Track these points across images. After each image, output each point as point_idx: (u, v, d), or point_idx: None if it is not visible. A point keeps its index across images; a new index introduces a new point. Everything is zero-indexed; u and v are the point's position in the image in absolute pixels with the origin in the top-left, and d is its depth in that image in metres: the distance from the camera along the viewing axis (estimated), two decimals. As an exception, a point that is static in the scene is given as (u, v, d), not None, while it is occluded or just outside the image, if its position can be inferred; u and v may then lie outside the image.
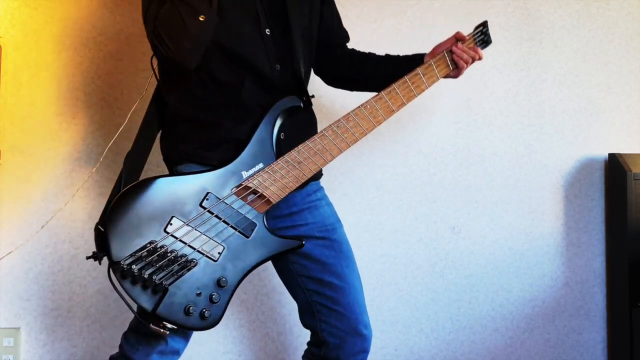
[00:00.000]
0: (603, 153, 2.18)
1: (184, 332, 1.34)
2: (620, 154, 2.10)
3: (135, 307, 1.27)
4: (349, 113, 1.41)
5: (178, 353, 1.37)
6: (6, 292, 1.89)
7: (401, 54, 1.63)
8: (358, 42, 2.07)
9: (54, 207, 1.91)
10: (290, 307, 1.98)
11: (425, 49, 2.11)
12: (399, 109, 1.47)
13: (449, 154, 2.11)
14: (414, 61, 1.56)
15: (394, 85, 1.46)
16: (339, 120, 1.40)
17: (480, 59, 1.57)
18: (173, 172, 1.40)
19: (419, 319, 2.08)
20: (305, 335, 1.85)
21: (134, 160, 1.39)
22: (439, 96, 2.11)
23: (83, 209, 1.92)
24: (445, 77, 1.57)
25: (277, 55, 1.40)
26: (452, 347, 2.09)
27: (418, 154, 2.10)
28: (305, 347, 1.54)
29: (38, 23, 1.92)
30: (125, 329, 1.42)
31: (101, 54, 1.95)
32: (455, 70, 1.57)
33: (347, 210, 2.06)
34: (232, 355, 1.99)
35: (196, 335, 1.41)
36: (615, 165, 2.10)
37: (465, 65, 1.56)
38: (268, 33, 1.40)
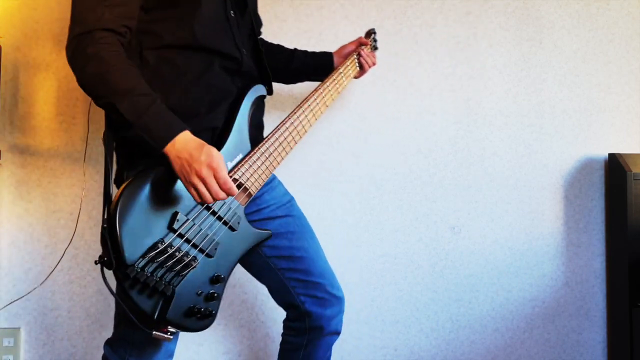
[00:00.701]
0: (603, 153, 2.18)
1: (132, 318, 1.25)
2: (620, 154, 2.10)
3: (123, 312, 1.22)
4: (301, 106, 1.46)
5: (172, 355, 1.35)
6: (6, 292, 1.89)
7: (308, 50, 1.74)
8: (358, 42, 2.08)
9: (54, 207, 1.91)
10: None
11: (426, 48, 2.12)
12: (330, 104, 1.57)
13: (449, 154, 2.11)
14: (324, 59, 1.72)
15: (328, 83, 1.56)
16: (294, 112, 1.44)
17: (375, 64, 1.78)
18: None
19: (419, 319, 2.08)
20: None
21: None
22: (439, 96, 2.11)
23: (83, 209, 1.92)
24: (354, 77, 1.75)
25: (241, 38, 1.38)
26: (452, 347, 2.10)
27: (418, 154, 2.10)
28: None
29: (38, 23, 1.92)
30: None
31: (101, 54, 1.95)
32: (360, 72, 1.75)
33: (347, 210, 2.06)
34: (232, 355, 1.99)
35: (196, 335, 1.41)
36: (615, 165, 2.10)
37: (368, 69, 1.75)
38: (232, 15, 1.36)
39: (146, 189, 1.17)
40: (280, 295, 1.48)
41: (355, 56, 1.71)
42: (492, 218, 2.12)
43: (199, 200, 1.18)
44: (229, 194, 1.18)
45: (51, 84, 1.92)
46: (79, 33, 1.16)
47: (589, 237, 2.16)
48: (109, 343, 1.33)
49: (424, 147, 2.10)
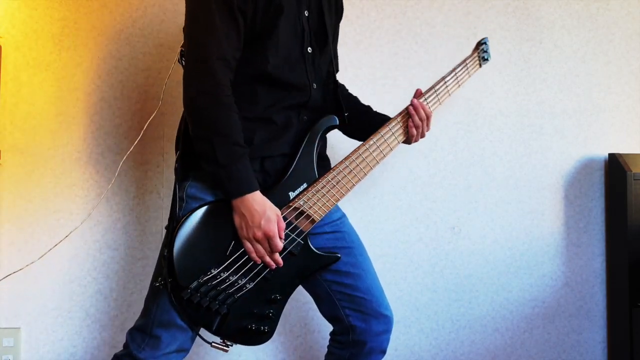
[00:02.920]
0: (603, 153, 2.18)
1: (195, 331, 1.35)
2: (620, 154, 2.10)
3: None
4: (378, 131, 1.43)
5: (187, 351, 1.39)
6: (6, 292, 1.89)
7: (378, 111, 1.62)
8: (358, 42, 2.08)
9: (54, 207, 1.91)
10: (290, 307, 1.98)
11: (425, 48, 2.12)
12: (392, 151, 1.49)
13: (449, 154, 2.11)
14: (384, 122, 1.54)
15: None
16: (369, 139, 1.42)
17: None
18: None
19: (419, 319, 2.08)
20: (306, 335, 1.85)
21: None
22: (439, 96, 2.11)
23: (83, 209, 1.92)
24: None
25: (315, 73, 1.42)
26: (452, 347, 2.09)
27: (418, 154, 2.10)
28: (304, 345, 1.54)
29: (38, 23, 1.92)
30: (125, 329, 1.42)
31: (101, 54, 1.95)
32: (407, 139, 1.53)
33: (347, 210, 2.05)
34: (232, 355, 1.99)
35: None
36: (615, 165, 2.10)
37: (414, 135, 1.50)
38: (310, 51, 1.40)
39: (207, 218, 1.28)
40: (325, 307, 1.49)
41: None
42: (492, 218, 2.12)
43: (251, 256, 1.30)
44: (276, 263, 1.31)
45: (51, 84, 1.92)
46: (198, 59, 1.27)
47: (589, 237, 2.16)
48: (130, 331, 1.38)
49: (424, 147, 2.10)
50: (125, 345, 1.38)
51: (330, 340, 1.54)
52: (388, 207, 2.08)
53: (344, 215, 1.52)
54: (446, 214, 2.10)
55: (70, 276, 1.92)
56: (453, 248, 2.10)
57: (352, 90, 1.71)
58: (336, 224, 1.47)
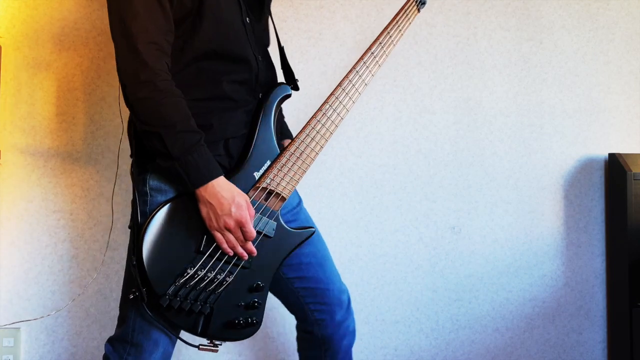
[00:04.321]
0: (603, 153, 2.18)
1: (174, 334, 1.30)
2: (620, 154, 2.10)
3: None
4: (332, 95, 1.37)
5: (169, 356, 1.34)
6: (6, 292, 1.89)
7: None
8: (358, 42, 2.08)
9: (54, 207, 1.91)
10: (290, 307, 1.98)
11: (426, 48, 2.12)
12: (369, 81, 1.44)
13: (449, 154, 2.11)
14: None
15: (367, 55, 1.42)
16: (324, 103, 1.36)
17: None
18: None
19: (419, 319, 2.08)
20: (305, 335, 1.83)
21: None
22: (439, 96, 2.11)
23: (83, 209, 1.92)
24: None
25: (257, 45, 1.36)
26: (452, 347, 2.09)
27: (418, 154, 2.10)
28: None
29: (38, 23, 1.92)
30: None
31: (101, 54, 1.95)
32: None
33: (347, 210, 2.06)
34: (232, 355, 1.99)
35: (195, 336, 1.40)
36: (615, 165, 2.10)
37: None
38: (248, 21, 1.34)
39: (171, 216, 1.20)
40: (291, 305, 1.47)
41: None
42: (492, 218, 2.12)
43: (223, 247, 1.21)
44: (249, 253, 1.23)
45: (51, 84, 1.92)
46: (126, 48, 1.19)
47: (589, 237, 2.16)
48: (110, 341, 1.33)
49: (424, 147, 2.10)
50: (105, 358, 1.31)
51: (299, 337, 1.52)
52: (388, 207, 2.08)
53: (300, 201, 1.47)
54: (446, 214, 2.10)
55: (70, 276, 1.92)
56: (453, 248, 2.10)
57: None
58: (295, 211, 1.43)
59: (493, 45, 2.15)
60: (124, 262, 1.94)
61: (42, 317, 1.91)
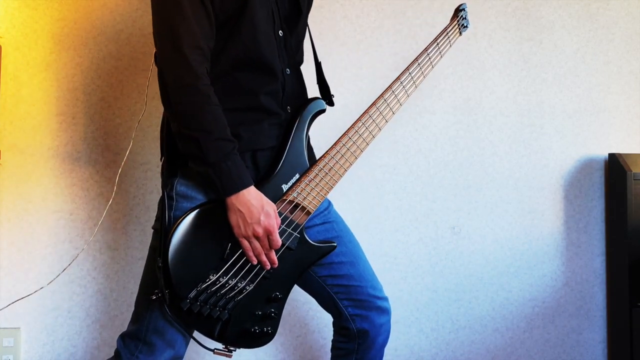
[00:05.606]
0: (603, 153, 2.18)
1: (188, 336, 1.33)
2: (620, 154, 2.10)
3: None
4: (365, 113, 1.40)
5: (182, 357, 1.36)
6: (6, 292, 1.89)
7: None
8: (358, 41, 2.08)
9: (54, 207, 1.91)
10: (290, 307, 1.98)
11: (425, 49, 2.12)
12: (404, 102, 1.47)
13: (449, 154, 2.11)
14: None
15: (406, 75, 1.44)
16: (357, 120, 1.39)
17: None
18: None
19: (419, 319, 2.08)
20: (306, 335, 1.85)
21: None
22: (439, 96, 2.11)
23: (83, 209, 1.92)
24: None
25: (288, 58, 1.38)
26: (452, 347, 2.09)
27: (418, 154, 2.10)
28: (304, 345, 1.54)
29: (38, 23, 1.92)
30: (125, 329, 1.42)
31: (101, 54, 1.95)
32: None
33: (347, 210, 2.05)
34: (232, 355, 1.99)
35: (195, 336, 1.40)
36: (615, 165, 2.10)
37: None
38: (281, 35, 1.36)
39: (199, 221, 1.23)
40: (325, 302, 1.49)
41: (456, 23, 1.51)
42: (492, 218, 2.12)
43: (248, 255, 1.25)
44: (271, 262, 1.27)
45: (51, 84, 1.92)
46: (171, 50, 1.19)
47: (589, 237, 2.17)
48: (122, 337, 1.34)
49: (424, 147, 2.10)
50: (117, 353, 1.33)
51: (335, 334, 1.53)
52: (388, 207, 2.08)
53: (330, 204, 1.50)
54: (446, 214, 2.10)
55: (70, 276, 1.92)
56: (453, 248, 2.10)
57: (352, 90, 1.71)
58: (324, 214, 1.45)
59: (493, 45, 2.15)
60: (124, 262, 1.95)
61: (42, 317, 1.91)
